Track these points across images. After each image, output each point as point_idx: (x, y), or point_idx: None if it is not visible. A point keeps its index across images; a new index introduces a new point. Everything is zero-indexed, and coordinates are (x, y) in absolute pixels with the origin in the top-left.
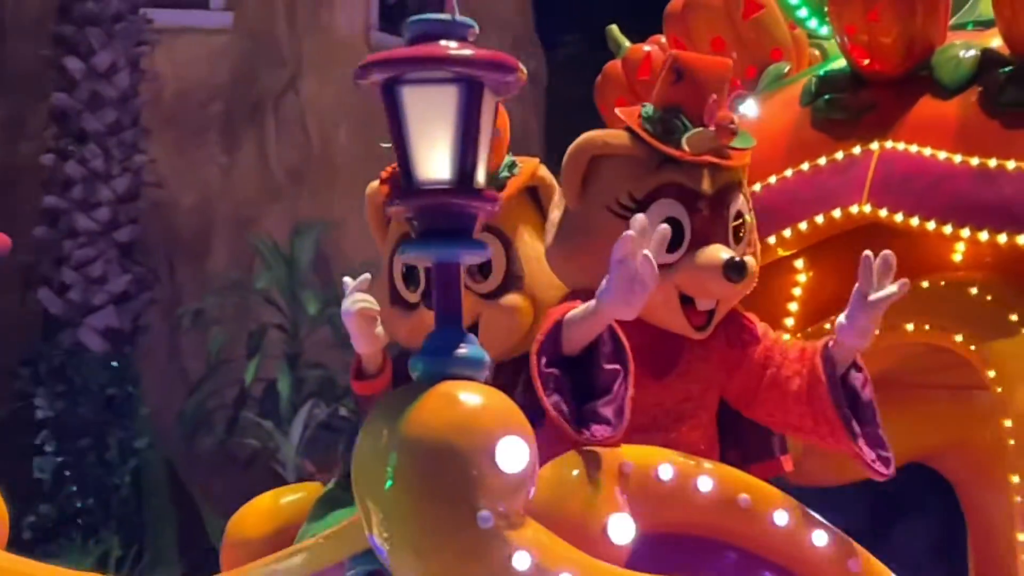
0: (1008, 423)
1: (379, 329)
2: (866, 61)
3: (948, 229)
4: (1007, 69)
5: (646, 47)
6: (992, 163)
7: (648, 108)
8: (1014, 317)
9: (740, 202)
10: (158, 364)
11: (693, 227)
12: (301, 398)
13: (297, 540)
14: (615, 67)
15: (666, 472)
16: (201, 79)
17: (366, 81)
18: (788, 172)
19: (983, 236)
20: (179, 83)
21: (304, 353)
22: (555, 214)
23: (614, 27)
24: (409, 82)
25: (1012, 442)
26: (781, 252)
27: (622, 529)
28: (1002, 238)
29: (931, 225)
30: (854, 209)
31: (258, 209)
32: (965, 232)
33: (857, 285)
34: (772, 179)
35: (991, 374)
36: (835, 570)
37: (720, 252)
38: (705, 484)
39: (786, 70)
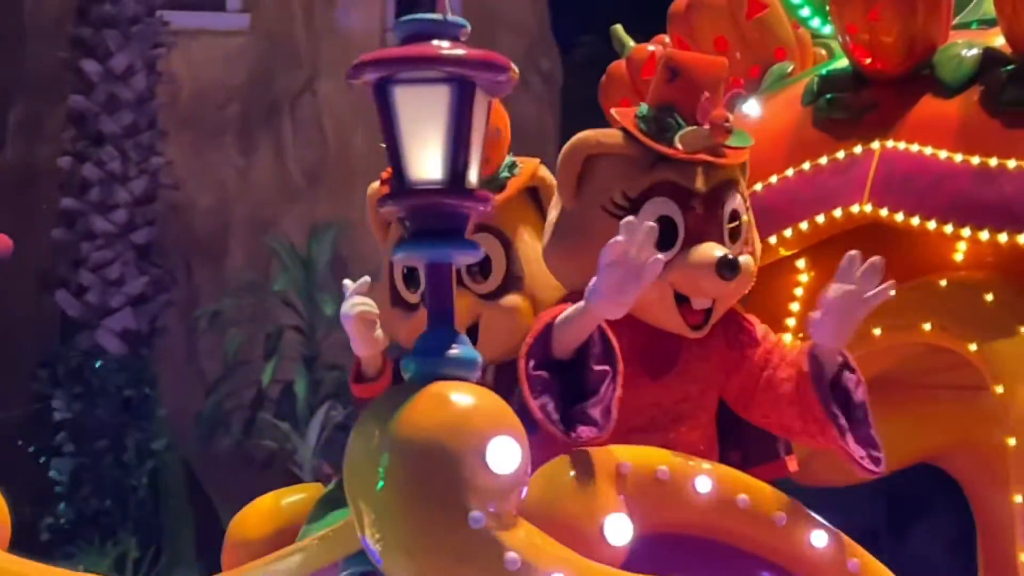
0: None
1: (378, 332)
2: (867, 60)
3: (948, 229)
4: (1008, 68)
5: (650, 47)
6: (993, 162)
7: (643, 107)
8: (1014, 317)
9: (736, 201)
10: (175, 366)
11: (687, 225)
12: (318, 400)
13: (297, 541)
14: (619, 67)
15: (663, 472)
16: (218, 81)
17: (359, 81)
18: (789, 172)
19: (984, 235)
20: (196, 85)
21: (321, 355)
22: (553, 214)
23: (618, 27)
24: (401, 82)
25: (1012, 442)
26: (783, 252)
27: (619, 530)
28: (1002, 237)
29: (931, 225)
30: (855, 209)
31: (275, 210)
32: (965, 231)
33: (833, 283)
34: (773, 179)
35: (991, 374)
36: (834, 570)
37: (713, 250)
38: (703, 484)
39: (789, 69)
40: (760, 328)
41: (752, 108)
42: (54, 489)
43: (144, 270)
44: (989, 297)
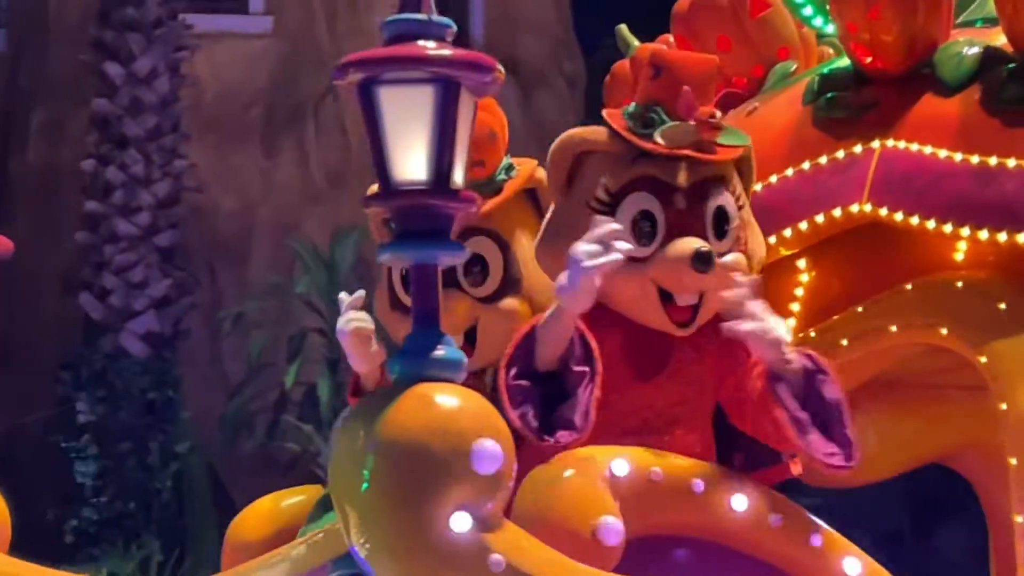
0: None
1: (375, 347)
2: (868, 59)
3: (948, 228)
4: (1009, 66)
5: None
6: (992, 161)
7: (631, 105)
8: (1013, 317)
9: (724, 198)
10: (199, 368)
11: (668, 220)
12: (341, 402)
13: None
14: (623, 67)
15: (657, 474)
16: (241, 83)
17: (344, 81)
18: (789, 171)
19: (983, 235)
20: (219, 88)
21: (344, 357)
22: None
23: (623, 27)
24: (386, 82)
25: (1013, 461)
26: (783, 251)
27: (612, 531)
28: (1002, 236)
29: (931, 224)
30: (854, 208)
31: (298, 213)
32: (965, 231)
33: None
34: (773, 178)
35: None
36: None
37: (691, 243)
38: (698, 486)
39: (793, 69)
40: None
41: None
42: (78, 492)
43: (167, 273)
44: (1002, 306)
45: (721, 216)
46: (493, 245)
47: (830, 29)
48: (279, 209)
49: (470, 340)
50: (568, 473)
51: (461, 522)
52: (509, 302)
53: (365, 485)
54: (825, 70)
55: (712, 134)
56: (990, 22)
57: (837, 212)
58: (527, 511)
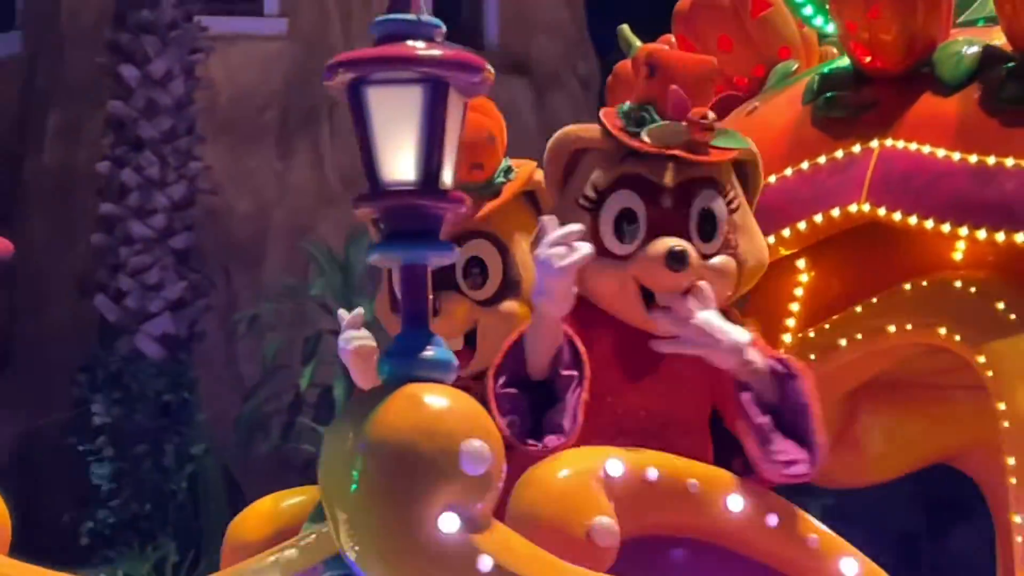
0: (1005, 424)
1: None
2: (867, 58)
3: (946, 227)
4: (1008, 65)
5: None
6: (991, 160)
7: (625, 104)
8: (1012, 316)
9: (713, 199)
10: (214, 370)
11: (650, 219)
12: None
13: None
14: (625, 67)
15: (653, 474)
16: (256, 86)
17: (332, 82)
18: (788, 171)
19: (981, 234)
20: (234, 90)
21: None
22: None
23: (625, 27)
24: (374, 82)
25: (1012, 461)
26: (782, 251)
27: (606, 532)
28: (1000, 236)
29: (929, 224)
30: (853, 208)
31: (313, 215)
32: (963, 230)
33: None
34: (772, 178)
35: (989, 374)
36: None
37: (667, 242)
38: (694, 486)
39: (794, 68)
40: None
41: None
42: (94, 493)
43: (183, 275)
44: (1000, 306)
45: (708, 218)
46: (492, 248)
47: (830, 29)
48: (294, 211)
49: (470, 343)
50: (562, 474)
51: (449, 523)
52: (509, 305)
53: (354, 486)
54: (825, 70)
55: (704, 135)
56: (991, 21)
57: (836, 212)
58: (521, 512)
